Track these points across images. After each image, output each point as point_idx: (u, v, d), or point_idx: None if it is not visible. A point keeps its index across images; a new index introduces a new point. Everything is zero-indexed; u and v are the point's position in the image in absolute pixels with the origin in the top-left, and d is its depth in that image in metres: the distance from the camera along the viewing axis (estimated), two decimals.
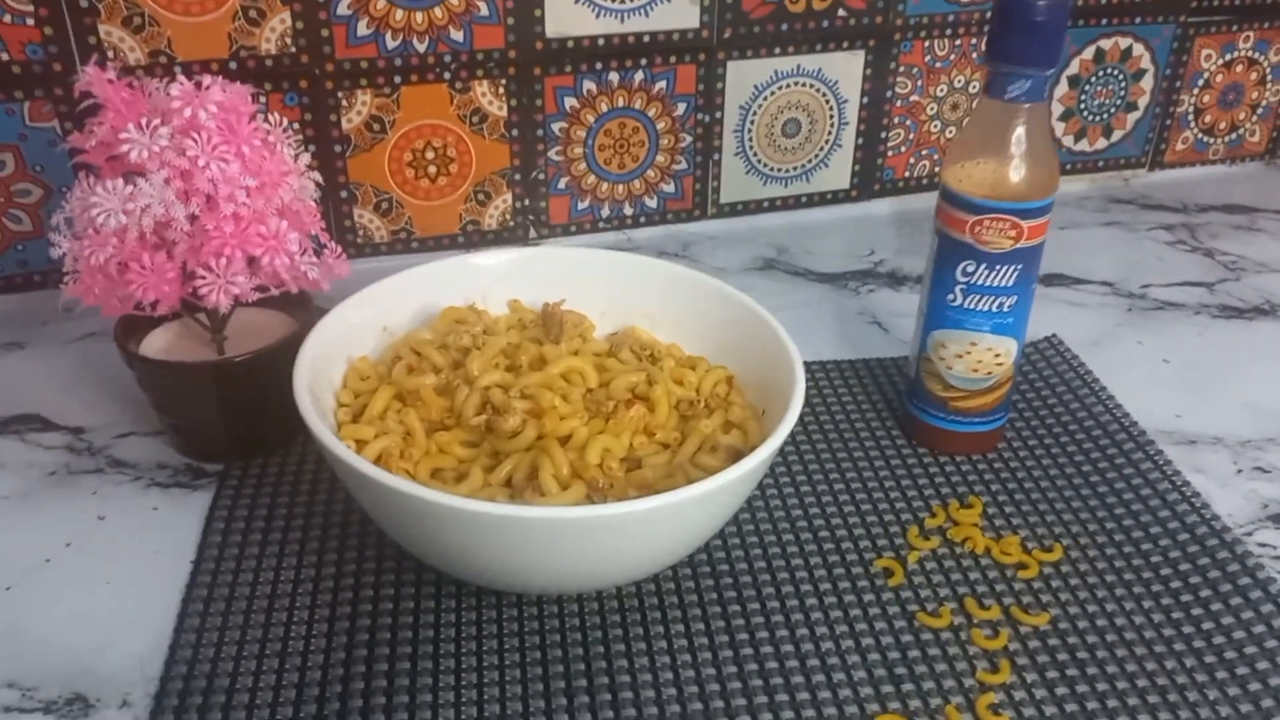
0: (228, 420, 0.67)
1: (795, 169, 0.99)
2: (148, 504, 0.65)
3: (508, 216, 0.93)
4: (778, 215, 1.00)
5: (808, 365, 0.77)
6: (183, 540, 0.63)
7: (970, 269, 0.65)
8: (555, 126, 0.90)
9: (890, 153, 1.00)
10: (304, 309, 0.69)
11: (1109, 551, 0.64)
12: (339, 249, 0.66)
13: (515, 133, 0.90)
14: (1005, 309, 0.66)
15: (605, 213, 0.96)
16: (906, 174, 1.02)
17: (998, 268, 0.65)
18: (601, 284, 0.70)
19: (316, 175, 0.63)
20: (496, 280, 0.70)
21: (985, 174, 0.63)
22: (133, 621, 0.57)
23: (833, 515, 0.66)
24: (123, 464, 0.68)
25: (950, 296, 0.67)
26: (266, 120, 0.62)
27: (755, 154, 0.97)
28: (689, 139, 0.94)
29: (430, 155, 0.89)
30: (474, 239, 0.93)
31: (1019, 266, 0.65)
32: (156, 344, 0.68)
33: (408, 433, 0.58)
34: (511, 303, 0.70)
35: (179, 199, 0.58)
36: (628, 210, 0.96)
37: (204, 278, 0.60)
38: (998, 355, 0.68)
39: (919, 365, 0.70)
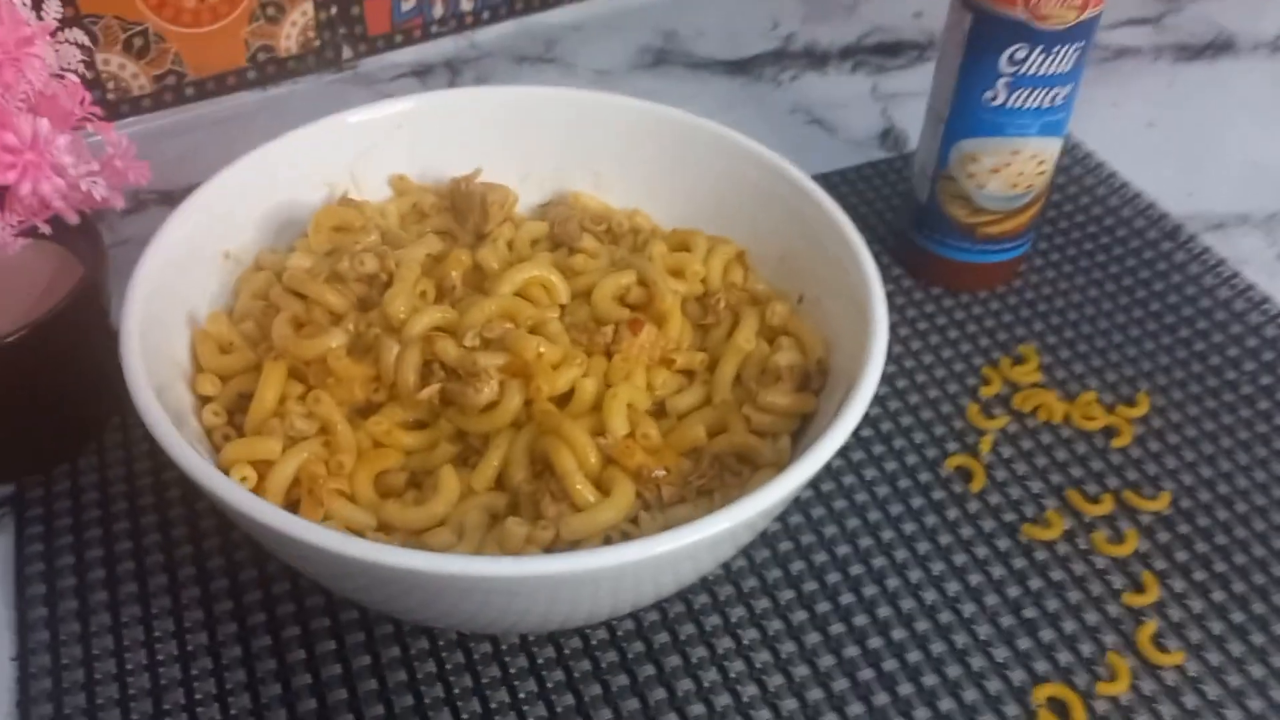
0: (6, 425, 0.44)
1: None
2: None
3: (310, 34, 0.69)
4: None
5: None
6: None
7: (1020, 55, 0.49)
8: None
9: None
10: (85, 237, 0.45)
11: (1195, 390, 0.53)
12: (127, 142, 0.42)
13: None
14: (1058, 102, 0.51)
15: (438, 12, 0.73)
16: None
17: (1056, 50, 0.49)
18: (516, 134, 0.50)
19: (79, 34, 0.39)
20: (367, 150, 0.48)
21: None
22: None
23: (871, 405, 0.51)
24: None
25: (990, 94, 0.50)
26: None
27: None
28: None
29: None
30: (269, 71, 0.69)
31: (1080, 45, 0.49)
32: None
33: (323, 429, 0.38)
34: (396, 180, 0.49)
35: None
36: (466, 5, 0.73)
37: None
38: (1041, 163, 0.53)
39: (935, 186, 0.55)
